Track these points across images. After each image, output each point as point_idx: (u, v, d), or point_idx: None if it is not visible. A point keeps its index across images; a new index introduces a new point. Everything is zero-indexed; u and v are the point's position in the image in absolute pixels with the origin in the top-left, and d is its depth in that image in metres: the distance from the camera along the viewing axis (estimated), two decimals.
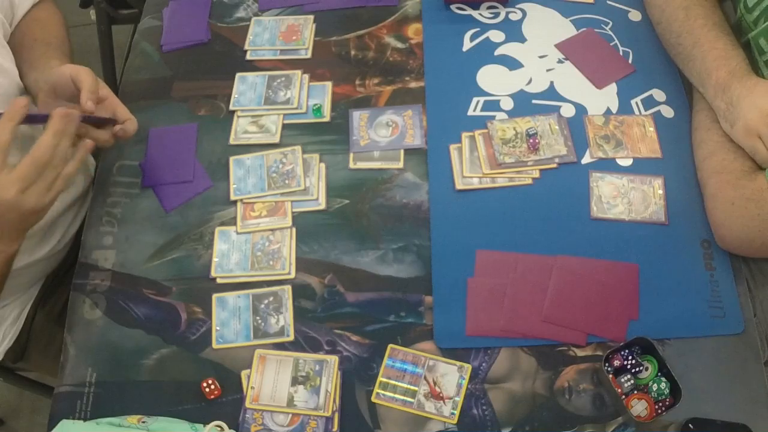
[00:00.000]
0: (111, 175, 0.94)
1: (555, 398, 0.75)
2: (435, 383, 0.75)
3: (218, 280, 0.84)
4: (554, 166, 0.88)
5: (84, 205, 0.99)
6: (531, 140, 0.89)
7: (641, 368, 0.73)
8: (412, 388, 0.75)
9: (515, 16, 1.04)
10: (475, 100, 0.95)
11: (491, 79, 0.97)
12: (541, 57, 0.99)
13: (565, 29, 1.02)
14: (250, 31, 1.06)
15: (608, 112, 0.93)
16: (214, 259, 0.85)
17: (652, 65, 0.97)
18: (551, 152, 0.89)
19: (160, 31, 1.08)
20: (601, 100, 0.94)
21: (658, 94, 0.94)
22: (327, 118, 0.96)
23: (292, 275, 0.83)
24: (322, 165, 0.91)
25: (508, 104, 0.94)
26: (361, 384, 0.76)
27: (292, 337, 0.79)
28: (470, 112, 0.94)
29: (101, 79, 0.81)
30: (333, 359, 0.77)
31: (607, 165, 0.88)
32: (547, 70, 0.97)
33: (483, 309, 0.79)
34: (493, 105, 0.94)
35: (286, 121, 0.96)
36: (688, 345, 0.76)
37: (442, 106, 0.95)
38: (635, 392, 0.72)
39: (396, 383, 0.76)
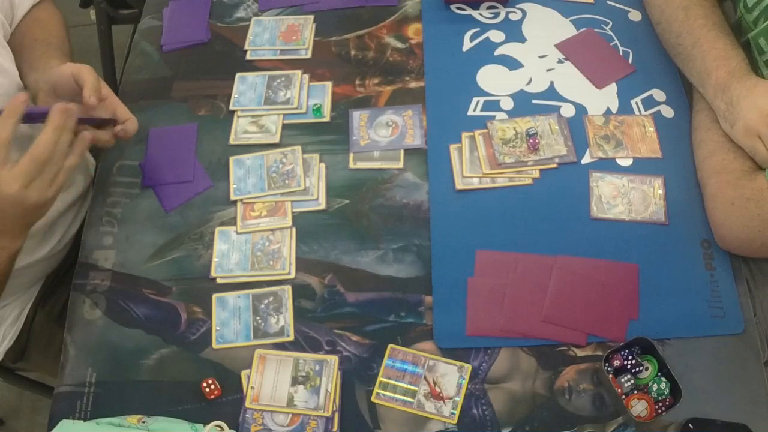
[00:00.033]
0: (111, 175, 0.94)
1: (555, 398, 0.75)
2: (435, 383, 0.75)
3: (218, 280, 0.84)
4: (554, 166, 0.88)
5: (84, 205, 0.99)
6: (531, 140, 0.89)
7: (641, 368, 0.73)
8: (412, 388, 0.75)
9: (515, 16, 1.04)
10: (475, 100, 0.95)
11: (491, 79, 0.97)
12: (541, 57, 0.99)
13: (565, 29, 1.02)
14: (250, 31, 1.06)
15: (608, 112, 0.93)
16: (214, 259, 0.85)
17: (652, 65, 0.97)
18: (551, 152, 0.89)
19: (160, 31, 1.08)
20: (601, 100, 0.94)
21: (658, 94, 0.94)
22: (327, 118, 0.96)
23: (292, 275, 0.83)
24: (322, 165, 0.91)
25: (508, 104, 0.94)
26: (361, 384, 0.76)
27: (292, 337, 0.79)
28: (470, 112, 0.94)
29: (101, 79, 0.81)
30: (333, 359, 0.77)
31: (607, 165, 0.88)
32: (547, 70, 0.97)
33: (483, 309, 0.79)
34: (493, 105, 0.94)
35: (286, 121, 0.96)
36: (688, 345, 0.76)
37: (442, 106, 0.95)
38: (635, 392, 0.72)
39: (396, 383, 0.76)
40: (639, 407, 0.71)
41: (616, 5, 1.04)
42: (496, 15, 1.04)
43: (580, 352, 0.77)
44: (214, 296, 0.82)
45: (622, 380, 0.72)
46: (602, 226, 0.84)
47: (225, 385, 0.77)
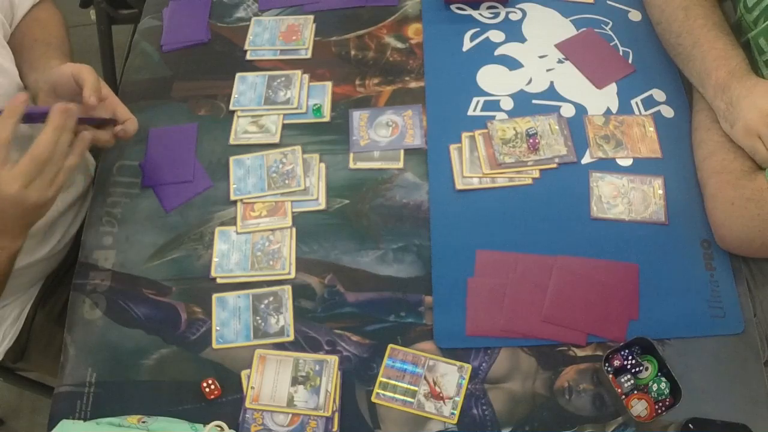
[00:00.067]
0: (111, 175, 0.94)
1: (555, 398, 0.75)
2: (435, 383, 0.75)
3: (218, 280, 0.84)
4: (554, 166, 0.88)
5: (84, 205, 0.99)
6: (531, 140, 0.89)
7: (641, 368, 0.73)
8: (412, 388, 0.75)
9: (515, 16, 1.04)
10: (475, 100, 0.95)
11: (491, 79, 0.97)
12: (541, 57, 0.99)
13: (565, 29, 1.02)
14: (250, 31, 1.06)
15: (608, 112, 0.93)
16: (214, 259, 0.85)
17: (652, 65, 0.97)
18: (551, 152, 0.89)
19: (160, 31, 1.08)
20: (601, 100, 0.94)
21: (658, 94, 0.94)
22: (327, 118, 0.96)
23: (292, 275, 0.83)
24: (322, 165, 0.91)
25: (508, 104, 0.94)
26: (361, 384, 0.76)
27: (292, 337, 0.79)
28: (470, 112, 0.94)
29: (101, 78, 0.81)
30: (333, 359, 0.77)
31: (607, 165, 0.88)
32: (547, 70, 0.97)
33: (483, 309, 0.79)
34: (493, 105, 0.94)
35: (286, 121, 0.96)
36: (688, 345, 0.76)
37: (442, 106, 0.95)
38: (635, 392, 0.72)
39: (396, 383, 0.76)
40: (639, 407, 0.71)
41: (616, 5, 1.04)
42: (496, 15, 1.04)
43: (580, 352, 0.77)
44: (214, 296, 0.82)
45: (622, 380, 0.72)
46: (602, 226, 0.84)
47: (225, 385, 0.77)
